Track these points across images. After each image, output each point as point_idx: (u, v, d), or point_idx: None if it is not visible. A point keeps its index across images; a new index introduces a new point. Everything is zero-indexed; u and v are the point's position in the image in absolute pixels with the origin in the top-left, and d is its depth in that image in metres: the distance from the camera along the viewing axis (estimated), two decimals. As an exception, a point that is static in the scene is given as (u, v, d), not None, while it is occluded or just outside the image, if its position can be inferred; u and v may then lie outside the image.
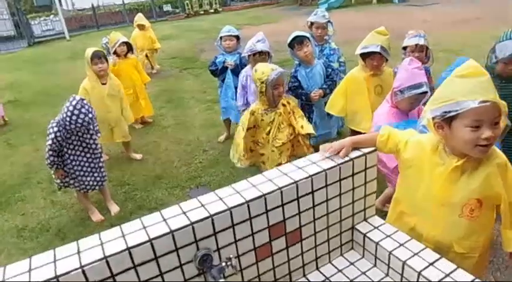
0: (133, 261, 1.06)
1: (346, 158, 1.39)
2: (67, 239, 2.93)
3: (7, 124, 5.75)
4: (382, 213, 1.69)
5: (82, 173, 2.97)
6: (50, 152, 2.81)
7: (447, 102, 1.29)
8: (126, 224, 1.14)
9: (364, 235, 1.48)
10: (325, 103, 3.27)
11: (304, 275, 1.46)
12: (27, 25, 14.90)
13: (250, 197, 1.22)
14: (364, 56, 2.88)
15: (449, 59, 5.19)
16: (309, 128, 2.69)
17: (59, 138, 2.77)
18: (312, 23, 3.81)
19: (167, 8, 18.30)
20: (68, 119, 2.67)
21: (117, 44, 4.63)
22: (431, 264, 1.29)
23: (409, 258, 1.32)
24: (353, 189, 1.44)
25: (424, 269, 1.27)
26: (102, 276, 1.03)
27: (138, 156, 4.18)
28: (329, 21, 3.77)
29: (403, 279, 1.34)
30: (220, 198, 1.22)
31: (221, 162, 3.93)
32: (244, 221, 1.22)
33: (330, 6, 14.44)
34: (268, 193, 1.24)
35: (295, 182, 1.28)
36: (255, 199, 1.22)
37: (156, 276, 1.12)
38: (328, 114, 3.29)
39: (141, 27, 7.19)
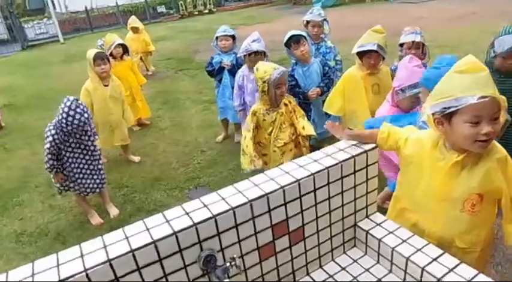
0: (137, 264, 1.06)
1: (348, 156, 1.38)
2: (67, 243, 2.91)
3: (2, 128, 5.71)
4: (383, 210, 1.69)
5: (82, 176, 2.95)
6: (49, 156, 2.79)
7: (446, 98, 1.29)
8: (129, 226, 1.13)
9: (367, 232, 1.48)
10: (323, 101, 3.27)
11: (308, 274, 1.46)
12: (20, 29, 14.77)
13: (253, 196, 1.21)
14: (361, 54, 2.88)
15: (445, 56, 5.23)
16: (310, 130, 2.67)
17: (57, 141, 2.76)
18: (308, 22, 3.80)
19: (161, 9, 18.23)
20: (63, 120, 2.66)
21: (113, 45, 4.61)
22: (435, 259, 1.29)
23: (413, 254, 1.33)
24: (355, 186, 1.44)
25: (428, 264, 1.27)
26: (106, 279, 1.02)
27: (136, 158, 4.17)
28: (325, 20, 3.77)
29: (407, 275, 1.35)
30: (223, 198, 1.22)
31: (219, 162, 3.92)
32: (247, 221, 1.22)
33: (324, 5, 14.41)
34: (271, 192, 1.23)
35: (298, 180, 1.28)
36: (258, 198, 1.21)
37: (161, 278, 1.11)
38: (326, 113, 3.29)
39: (135, 30, 7.15)
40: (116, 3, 16.86)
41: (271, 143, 2.69)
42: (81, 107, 2.70)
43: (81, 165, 2.93)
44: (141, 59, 7.47)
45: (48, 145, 2.76)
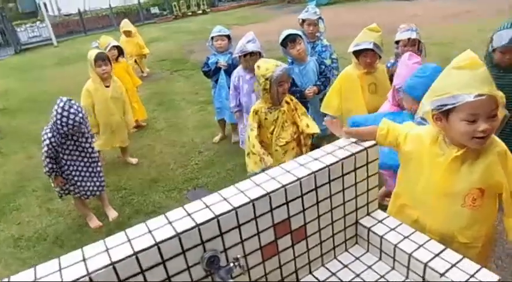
0: (140, 266, 1.05)
1: (348, 153, 1.38)
2: (65, 247, 2.89)
3: (-3, 133, 5.67)
4: (383, 207, 1.70)
5: (81, 178, 2.92)
6: (48, 159, 2.77)
7: (443, 96, 1.29)
8: (131, 229, 1.12)
9: (369, 229, 1.48)
10: (320, 100, 3.27)
11: (311, 272, 1.46)
12: (13, 32, 14.64)
13: (255, 196, 1.21)
14: (357, 53, 2.87)
15: (441, 53, 5.26)
16: (314, 127, 2.62)
17: (54, 144, 2.73)
18: (303, 20, 3.81)
19: (155, 10, 18.13)
20: (58, 121, 2.63)
21: (108, 48, 4.59)
22: (437, 255, 1.30)
23: (415, 250, 1.33)
24: (355, 183, 1.44)
25: (430, 260, 1.28)
26: (110, 282, 1.02)
27: (134, 160, 4.15)
28: (320, 18, 3.78)
29: (410, 272, 1.35)
30: (225, 199, 1.21)
31: (217, 163, 3.92)
32: (249, 221, 1.21)
33: (318, 3, 14.42)
34: (273, 191, 1.23)
35: (299, 179, 1.27)
36: (260, 198, 1.21)
37: (164, 280, 1.10)
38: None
39: (128, 33, 7.08)
40: (109, 5, 16.77)
41: (273, 142, 2.64)
42: (75, 107, 2.66)
43: (79, 168, 2.90)
44: (135, 61, 7.43)
45: (45, 148, 2.73)
